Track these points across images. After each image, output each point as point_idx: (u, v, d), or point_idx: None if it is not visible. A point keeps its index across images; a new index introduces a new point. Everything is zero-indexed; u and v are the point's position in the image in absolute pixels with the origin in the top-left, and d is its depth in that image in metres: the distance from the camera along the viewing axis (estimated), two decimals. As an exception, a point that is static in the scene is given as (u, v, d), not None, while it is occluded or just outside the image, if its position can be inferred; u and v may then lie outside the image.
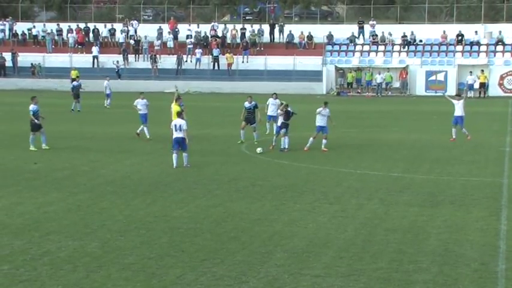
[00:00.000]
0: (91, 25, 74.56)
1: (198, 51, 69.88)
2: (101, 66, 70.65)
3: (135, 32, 73.32)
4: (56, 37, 74.02)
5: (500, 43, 67.15)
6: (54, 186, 23.13)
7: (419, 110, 50.38)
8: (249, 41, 70.62)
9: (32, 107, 30.95)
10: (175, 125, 26.36)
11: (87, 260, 15.07)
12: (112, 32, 73.81)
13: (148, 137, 33.15)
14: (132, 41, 72.16)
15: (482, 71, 63.09)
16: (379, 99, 61.26)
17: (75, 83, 50.72)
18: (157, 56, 69.39)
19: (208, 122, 41.71)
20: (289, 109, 30.21)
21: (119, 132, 36.54)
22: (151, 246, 16.18)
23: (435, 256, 15.52)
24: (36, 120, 30.69)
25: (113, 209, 19.88)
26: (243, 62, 69.94)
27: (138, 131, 33.79)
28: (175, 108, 29.80)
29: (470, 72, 63.40)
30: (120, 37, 73.02)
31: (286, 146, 30.07)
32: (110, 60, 70.70)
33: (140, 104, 35.27)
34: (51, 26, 75.00)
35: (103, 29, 74.08)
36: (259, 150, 29.50)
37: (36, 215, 19.18)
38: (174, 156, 26.43)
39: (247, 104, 32.52)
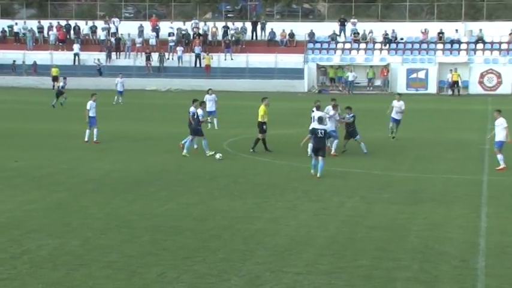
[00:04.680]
0: (72, 22, 74.19)
1: (179, 48, 69.77)
2: (82, 64, 70.35)
3: (117, 29, 73.05)
4: (37, 34, 73.61)
5: (480, 41, 67.50)
6: (34, 184, 22.99)
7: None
8: (233, 39, 70.58)
9: (200, 112, 29.16)
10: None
11: (68, 259, 14.99)
12: (93, 29, 73.50)
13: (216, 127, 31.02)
14: (113, 39, 71.90)
15: (456, 69, 63.44)
16: (355, 96, 61.36)
17: (61, 84, 50.60)
18: (151, 53, 69.23)
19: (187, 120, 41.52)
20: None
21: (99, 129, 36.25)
22: (132, 244, 16.13)
23: (416, 253, 15.57)
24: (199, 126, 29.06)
25: (94, 207, 19.79)
26: (225, 59, 69.85)
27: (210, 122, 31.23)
28: (262, 108, 29.98)
29: (451, 70, 63.77)
30: (101, 34, 72.73)
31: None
32: (91, 57, 70.42)
33: (209, 99, 35.35)
34: (32, 23, 74.60)
35: (84, 26, 73.77)
36: (218, 156, 27.91)
37: (16, 213, 19.05)
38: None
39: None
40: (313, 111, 28.57)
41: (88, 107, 31.98)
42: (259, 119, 29.75)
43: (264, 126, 29.64)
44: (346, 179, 24.31)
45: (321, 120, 25.34)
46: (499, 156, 25.95)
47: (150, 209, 19.56)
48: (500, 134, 26.00)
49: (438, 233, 17.30)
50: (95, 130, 31.95)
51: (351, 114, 29.86)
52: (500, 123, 26.04)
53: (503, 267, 14.61)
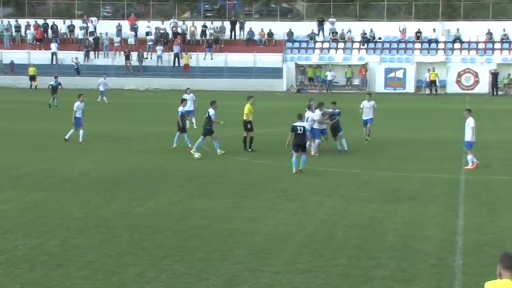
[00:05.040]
0: (50, 21, 73.78)
1: (159, 48, 69.57)
2: (60, 63, 69.97)
3: (95, 28, 72.74)
4: (14, 33, 73.16)
5: (457, 41, 67.92)
6: (10, 184, 22.82)
7: (379, 107, 50.60)
8: (212, 38, 70.50)
9: (211, 111, 28.80)
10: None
11: (45, 259, 14.92)
12: (71, 28, 73.15)
13: (195, 127, 30.35)
14: (91, 38, 71.61)
15: (433, 68, 63.79)
16: (336, 96, 61.49)
17: (53, 83, 49.92)
18: (131, 53, 68.97)
19: (166, 120, 41.51)
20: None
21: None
22: (111, 244, 16.08)
23: (394, 252, 15.64)
24: (208, 126, 28.82)
25: (72, 207, 19.70)
26: (204, 58, 69.68)
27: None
28: (248, 107, 29.87)
29: (428, 69, 64.08)
30: (79, 33, 72.41)
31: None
32: (69, 56, 70.04)
33: (187, 98, 35.82)
34: (9, 22, 74.08)
35: (62, 25, 73.39)
36: (197, 155, 27.83)
37: (-7, 213, 18.93)
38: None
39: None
40: (306, 110, 28.76)
41: (75, 108, 31.87)
42: (244, 118, 29.76)
43: (249, 125, 29.66)
44: (325, 177, 24.38)
45: (300, 117, 25.80)
46: (469, 157, 26.04)
47: (128, 209, 19.50)
48: (468, 134, 26.04)
49: (416, 231, 17.39)
50: (81, 131, 31.79)
51: (337, 110, 30.09)
52: (468, 123, 26.08)
53: (481, 266, 14.70)
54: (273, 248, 15.84)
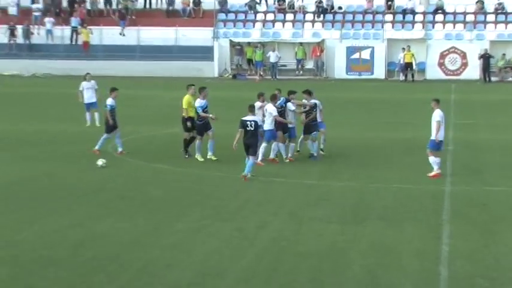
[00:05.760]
0: None
1: (49, 20, 68.96)
2: None
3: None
4: None
5: (440, 11, 68.65)
6: None
7: (339, 97, 51.07)
8: (120, 8, 70.17)
9: (198, 101, 28.97)
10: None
11: None
12: None
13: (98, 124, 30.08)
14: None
15: (409, 47, 63.86)
16: (283, 83, 61.84)
17: None
18: (16, 27, 68.28)
19: (58, 116, 41.20)
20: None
21: None
22: (-15, 281, 15.92)
23: (360, 287, 15.77)
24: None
25: None
26: (121, 34, 69.05)
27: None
28: (187, 99, 29.44)
29: (403, 48, 64.49)
30: None
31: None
32: None
33: (86, 87, 36.80)
34: None
35: None
36: (100, 163, 27.71)
37: None
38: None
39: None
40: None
41: None
42: (183, 114, 29.23)
43: (189, 123, 29.11)
44: (270, 191, 24.44)
45: (252, 109, 26.40)
46: (431, 159, 26.39)
47: (9, 234, 19.31)
48: (434, 130, 26.41)
49: (388, 260, 17.55)
50: None
51: (313, 101, 29.33)
52: (433, 117, 26.47)
53: (471, 303, 14.95)
54: (202, 284, 15.84)
